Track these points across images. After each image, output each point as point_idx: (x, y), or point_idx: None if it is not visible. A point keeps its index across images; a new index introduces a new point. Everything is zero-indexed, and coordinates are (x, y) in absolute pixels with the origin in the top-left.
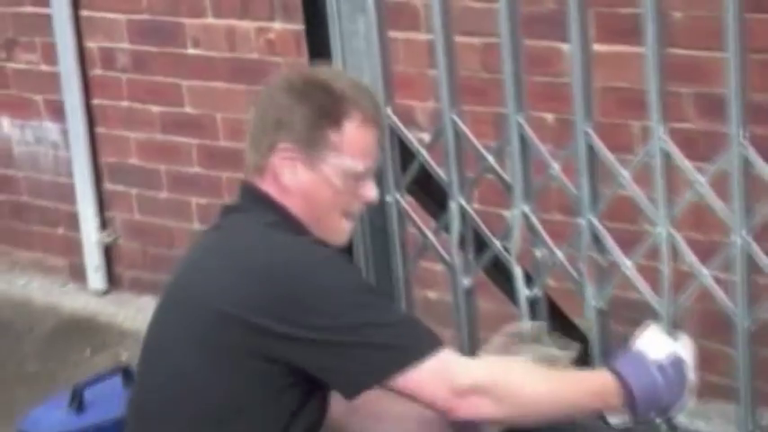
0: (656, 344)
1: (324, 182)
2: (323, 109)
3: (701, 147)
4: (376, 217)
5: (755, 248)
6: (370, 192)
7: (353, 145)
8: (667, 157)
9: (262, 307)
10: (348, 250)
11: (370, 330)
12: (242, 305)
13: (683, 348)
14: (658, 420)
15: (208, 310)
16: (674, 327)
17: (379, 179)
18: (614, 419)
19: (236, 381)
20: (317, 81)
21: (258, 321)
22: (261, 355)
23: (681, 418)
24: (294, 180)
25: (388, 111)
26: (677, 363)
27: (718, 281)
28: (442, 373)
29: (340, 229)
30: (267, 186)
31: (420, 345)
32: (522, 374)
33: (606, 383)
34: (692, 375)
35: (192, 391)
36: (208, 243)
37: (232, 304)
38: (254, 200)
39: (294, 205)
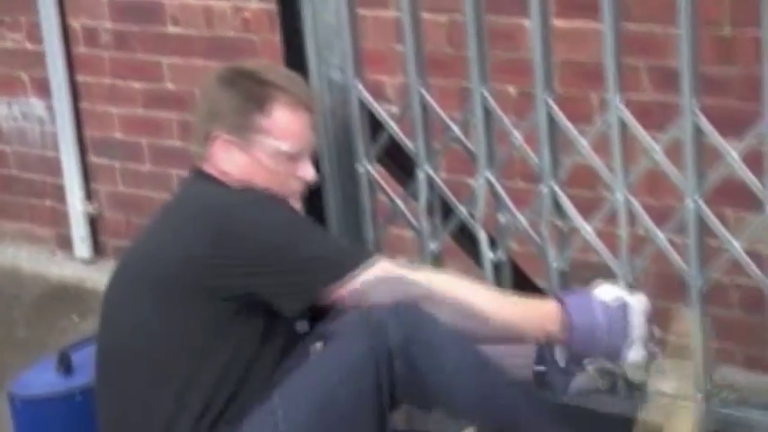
0: (606, 290)
1: (258, 164)
2: (250, 95)
3: (655, 117)
4: (347, 186)
5: (707, 211)
6: (306, 172)
7: (282, 128)
8: (624, 126)
9: (203, 245)
10: (320, 218)
11: (306, 251)
12: (186, 246)
13: (637, 302)
14: (608, 365)
15: (159, 258)
16: (631, 287)
17: (350, 150)
18: (561, 360)
19: (193, 319)
20: (245, 71)
21: (201, 258)
22: (211, 290)
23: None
24: (232, 165)
25: (359, 85)
26: (622, 307)
27: (672, 244)
28: (383, 280)
29: None
30: (211, 170)
31: (356, 257)
32: (468, 287)
33: (549, 310)
34: (639, 323)
35: (155, 336)
36: (161, 210)
37: (178, 248)
38: (203, 179)
39: (237, 186)
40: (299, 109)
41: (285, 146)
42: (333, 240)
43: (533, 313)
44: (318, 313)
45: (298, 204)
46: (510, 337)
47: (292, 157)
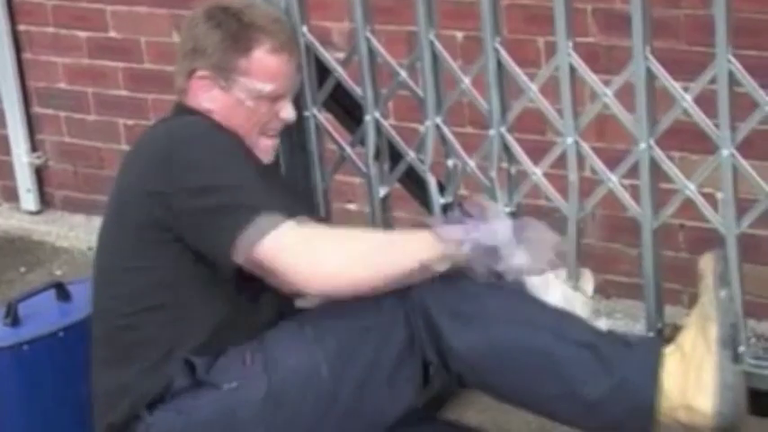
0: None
1: (238, 104)
2: (233, 36)
3: (602, 60)
4: (295, 133)
5: (661, 154)
6: (286, 112)
7: (262, 70)
8: (573, 70)
9: (151, 176)
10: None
11: (218, 200)
12: (138, 179)
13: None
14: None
15: (120, 196)
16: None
17: (297, 96)
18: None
19: (154, 256)
20: (231, 10)
21: (150, 189)
22: (164, 227)
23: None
24: (212, 103)
25: (305, 30)
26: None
27: (622, 186)
28: (264, 233)
29: (261, 147)
30: (191, 105)
31: (264, 221)
32: (335, 241)
33: (421, 238)
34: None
35: (124, 273)
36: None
37: (133, 183)
38: (181, 113)
39: (198, 117)
40: (281, 52)
41: (266, 88)
42: (251, 196)
43: (409, 246)
44: None
45: (270, 153)
46: (406, 277)
47: (273, 99)
